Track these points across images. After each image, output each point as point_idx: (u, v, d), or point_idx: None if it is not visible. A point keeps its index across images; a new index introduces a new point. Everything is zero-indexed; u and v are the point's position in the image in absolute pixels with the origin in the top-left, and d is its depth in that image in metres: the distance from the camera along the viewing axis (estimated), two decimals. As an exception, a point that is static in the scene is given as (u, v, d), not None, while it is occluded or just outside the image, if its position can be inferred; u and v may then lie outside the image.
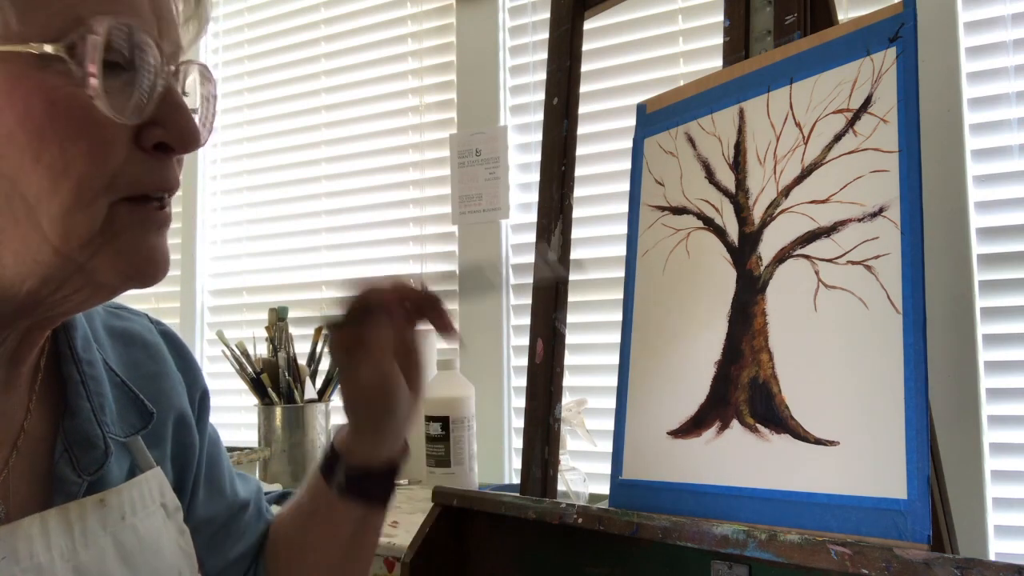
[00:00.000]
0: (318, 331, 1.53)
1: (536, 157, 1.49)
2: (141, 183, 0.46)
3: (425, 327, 0.61)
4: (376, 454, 0.64)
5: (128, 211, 0.46)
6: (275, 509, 0.77)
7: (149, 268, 0.47)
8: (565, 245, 0.85)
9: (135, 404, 0.58)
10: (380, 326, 0.59)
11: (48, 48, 0.41)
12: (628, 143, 0.82)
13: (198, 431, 0.67)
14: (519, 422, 1.47)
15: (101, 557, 0.51)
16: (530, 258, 0.90)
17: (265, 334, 1.52)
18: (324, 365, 1.53)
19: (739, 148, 0.70)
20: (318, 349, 1.52)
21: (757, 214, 0.67)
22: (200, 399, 0.68)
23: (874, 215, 0.58)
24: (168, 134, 0.46)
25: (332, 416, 1.51)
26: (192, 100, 0.50)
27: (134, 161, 0.45)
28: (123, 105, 0.44)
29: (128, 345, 0.63)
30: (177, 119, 0.46)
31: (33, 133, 0.42)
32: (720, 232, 0.69)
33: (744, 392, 0.63)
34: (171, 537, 0.58)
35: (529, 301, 0.86)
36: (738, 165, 0.70)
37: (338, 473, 0.64)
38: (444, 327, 0.60)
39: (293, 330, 1.52)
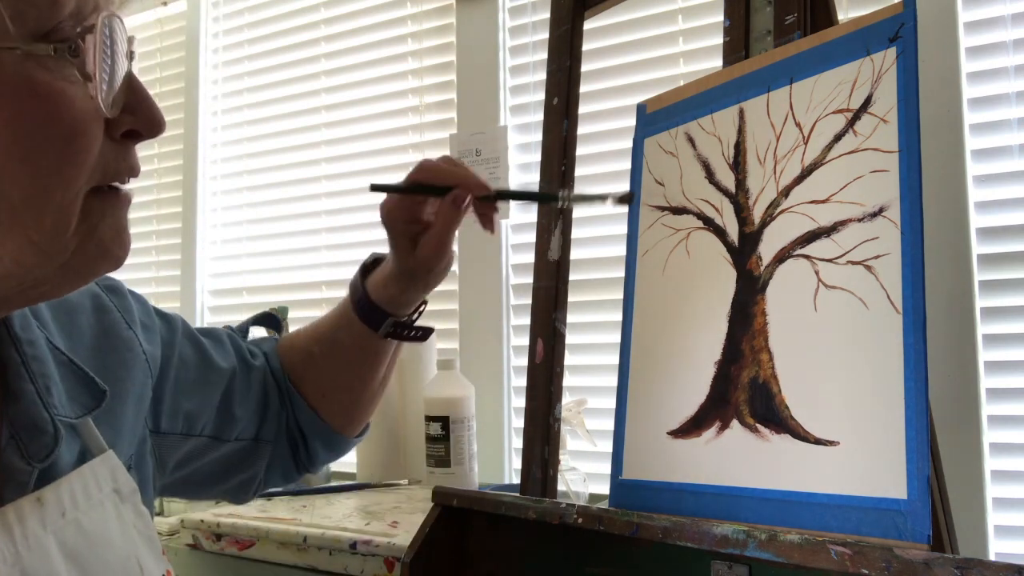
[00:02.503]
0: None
1: (536, 157, 1.49)
2: (115, 173, 0.46)
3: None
4: (417, 301, 0.73)
5: (101, 200, 0.46)
6: (259, 331, 0.80)
7: (122, 252, 0.48)
8: (565, 245, 0.85)
9: (85, 382, 0.55)
10: (450, 207, 0.66)
11: (47, 48, 0.41)
12: (628, 143, 0.82)
13: (170, 356, 0.66)
14: (519, 422, 1.47)
15: (46, 558, 0.49)
16: (530, 258, 0.90)
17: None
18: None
19: (739, 148, 0.70)
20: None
21: (757, 214, 0.67)
22: (143, 325, 0.65)
23: (874, 215, 0.58)
24: (138, 122, 0.46)
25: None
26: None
27: (106, 151, 0.45)
28: (106, 99, 0.43)
29: (71, 313, 0.60)
30: (146, 106, 0.46)
31: (22, 133, 0.41)
32: (720, 232, 0.69)
33: (744, 392, 0.63)
34: (125, 523, 0.55)
35: (529, 301, 0.86)
36: (738, 165, 0.70)
37: (386, 327, 0.72)
38: (490, 226, 0.69)
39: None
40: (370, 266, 0.75)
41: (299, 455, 0.78)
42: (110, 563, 0.52)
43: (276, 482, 0.78)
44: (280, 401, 0.76)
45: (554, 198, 0.70)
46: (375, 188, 0.67)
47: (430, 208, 0.68)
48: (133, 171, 0.48)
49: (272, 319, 0.84)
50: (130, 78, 0.46)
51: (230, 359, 0.74)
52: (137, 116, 0.46)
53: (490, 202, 0.67)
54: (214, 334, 0.75)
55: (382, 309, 0.72)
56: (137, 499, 0.57)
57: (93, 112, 0.43)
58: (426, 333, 0.75)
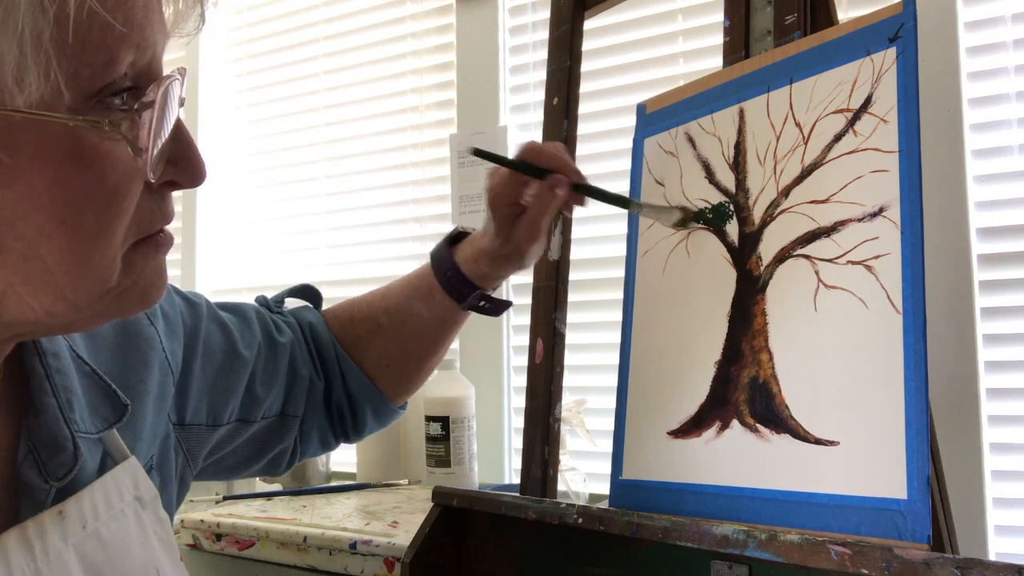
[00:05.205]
0: None
1: (536, 157, 1.49)
2: (149, 223, 0.45)
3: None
4: (506, 278, 0.76)
5: (142, 252, 0.45)
6: (293, 303, 0.82)
7: (159, 295, 0.47)
8: (565, 245, 0.85)
9: (107, 395, 0.55)
10: (546, 191, 0.68)
11: (102, 122, 0.39)
12: (628, 143, 0.82)
13: (194, 347, 0.65)
14: (519, 422, 1.47)
15: (65, 573, 0.48)
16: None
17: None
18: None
19: (739, 148, 0.70)
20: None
21: (757, 214, 0.67)
22: (165, 317, 0.64)
23: (874, 215, 0.58)
24: (180, 173, 0.45)
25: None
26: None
27: (143, 203, 0.44)
28: (154, 163, 0.42)
29: None
30: (190, 158, 0.45)
31: (64, 197, 0.40)
32: (720, 232, 0.69)
33: (744, 392, 0.63)
34: (146, 532, 0.55)
35: (529, 301, 0.86)
36: (738, 165, 0.70)
37: (472, 299, 0.75)
38: (569, 211, 0.74)
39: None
40: (453, 239, 0.77)
41: (344, 424, 0.78)
42: (129, 572, 0.52)
43: (314, 451, 0.79)
44: (317, 373, 0.76)
45: (627, 203, 0.73)
46: (477, 153, 0.70)
47: (529, 192, 0.70)
48: (167, 218, 0.46)
49: (312, 291, 0.84)
50: (178, 128, 0.44)
51: (256, 341, 0.73)
52: (180, 168, 0.45)
53: (579, 193, 0.70)
54: (240, 311, 0.75)
55: (472, 283, 0.74)
56: (158, 504, 0.57)
57: (137, 172, 0.42)
58: (505, 305, 0.78)
